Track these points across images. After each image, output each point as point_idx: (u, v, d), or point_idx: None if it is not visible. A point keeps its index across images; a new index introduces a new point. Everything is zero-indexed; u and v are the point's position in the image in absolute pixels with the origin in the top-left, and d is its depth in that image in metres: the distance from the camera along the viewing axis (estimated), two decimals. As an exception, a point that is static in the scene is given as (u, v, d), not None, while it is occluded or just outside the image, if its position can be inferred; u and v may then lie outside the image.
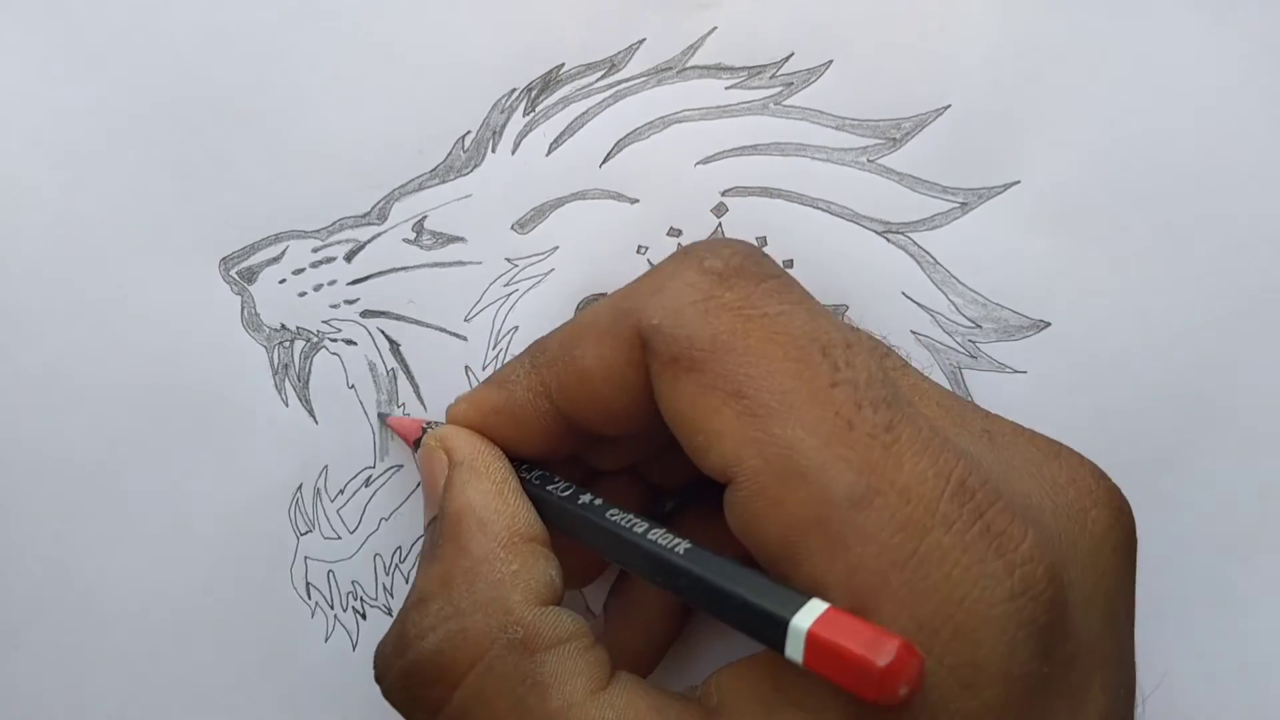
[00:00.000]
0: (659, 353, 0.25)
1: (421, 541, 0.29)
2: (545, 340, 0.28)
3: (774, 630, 0.23)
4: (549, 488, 0.28)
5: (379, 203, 0.33)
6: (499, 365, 0.33)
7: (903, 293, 0.33)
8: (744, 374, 0.24)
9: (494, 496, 0.27)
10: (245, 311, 0.33)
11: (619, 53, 0.33)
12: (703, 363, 0.25)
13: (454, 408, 0.30)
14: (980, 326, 0.33)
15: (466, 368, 0.33)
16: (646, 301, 0.26)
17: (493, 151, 0.33)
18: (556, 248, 0.33)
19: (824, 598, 0.23)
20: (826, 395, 0.24)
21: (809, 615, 0.22)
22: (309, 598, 0.34)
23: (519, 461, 0.29)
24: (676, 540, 0.25)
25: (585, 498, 0.28)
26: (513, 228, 0.33)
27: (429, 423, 0.32)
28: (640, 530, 0.26)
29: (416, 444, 0.31)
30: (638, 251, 0.33)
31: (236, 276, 0.33)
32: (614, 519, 0.27)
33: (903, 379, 0.27)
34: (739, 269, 0.26)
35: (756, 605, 0.23)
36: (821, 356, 0.24)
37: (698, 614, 0.32)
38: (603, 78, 0.33)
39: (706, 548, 0.25)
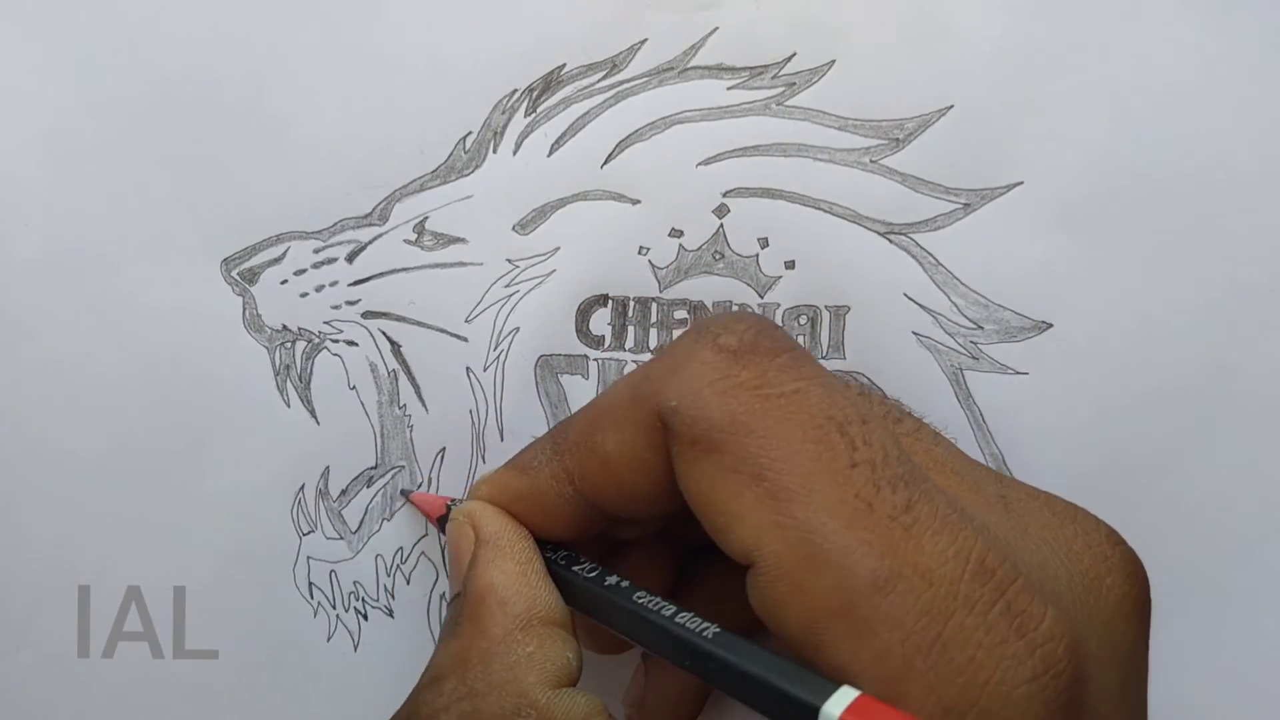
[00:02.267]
0: (679, 435, 0.25)
1: (445, 609, 0.29)
2: (566, 425, 0.28)
3: (805, 717, 0.23)
4: (574, 568, 0.28)
5: (380, 204, 0.33)
6: (499, 366, 0.33)
7: (905, 294, 0.33)
8: (764, 456, 0.24)
9: (517, 577, 0.27)
10: (247, 312, 0.33)
11: (620, 53, 0.33)
12: (722, 444, 0.24)
13: (476, 489, 0.29)
14: (982, 327, 0.33)
15: (467, 369, 0.33)
16: (664, 383, 0.26)
17: (494, 152, 0.33)
18: (558, 248, 0.33)
19: (852, 684, 0.23)
20: (846, 476, 0.24)
21: (840, 703, 0.23)
22: (311, 598, 0.34)
23: (544, 542, 0.29)
24: (705, 624, 0.25)
25: (611, 579, 0.28)
26: (514, 228, 0.33)
27: (453, 500, 0.32)
28: (668, 614, 0.26)
29: (440, 521, 0.31)
30: (639, 252, 0.33)
31: (238, 277, 0.33)
32: (641, 601, 0.26)
33: (917, 447, 0.27)
34: (753, 345, 0.26)
35: (788, 692, 0.23)
36: (839, 435, 0.24)
37: (719, 698, 0.32)
38: (604, 78, 0.33)
39: (734, 631, 0.25)
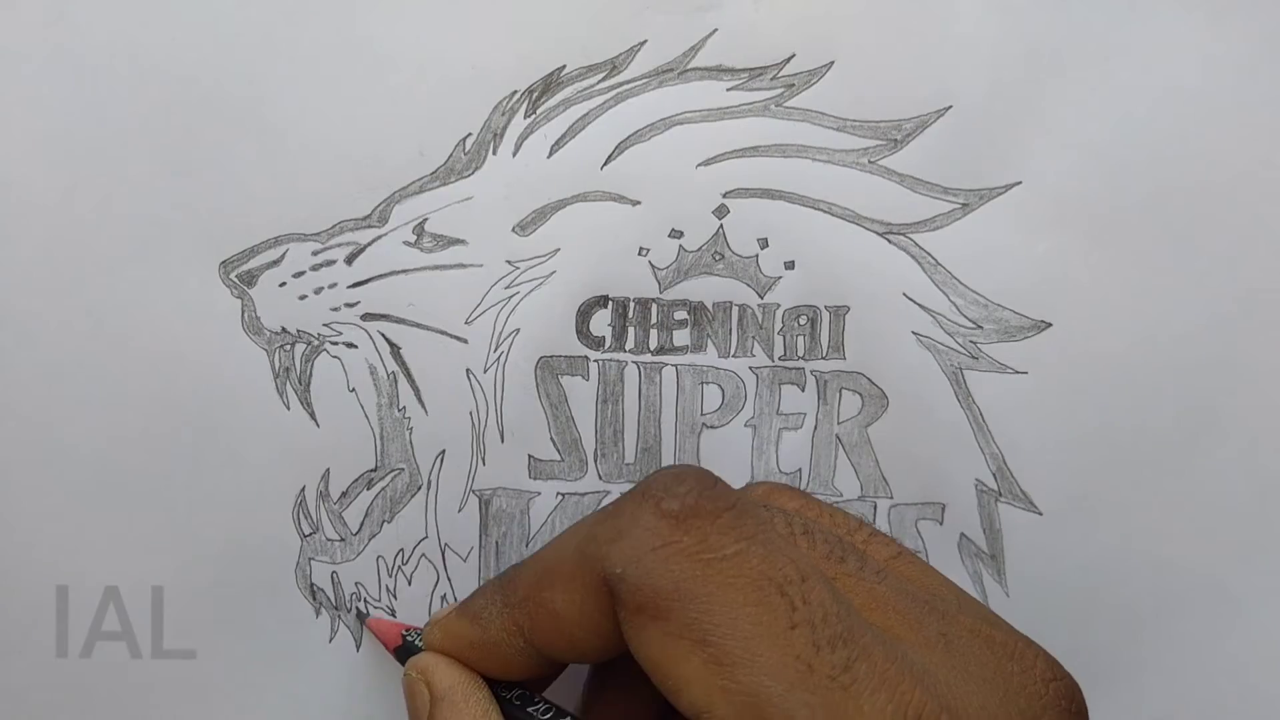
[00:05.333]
0: (625, 601, 0.26)
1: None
2: (515, 576, 0.29)
3: None
4: (530, 709, 0.29)
5: (380, 205, 0.33)
6: (499, 368, 0.33)
7: (904, 294, 0.33)
8: (708, 622, 0.25)
9: None
10: (246, 315, 0.33)
11: (620, 55, 0.33)
12: (667, 611, 0.25)
13: (429, 635, 0.30)
14: (981, 327, 0.33)
15: (467, 370, 0.33)
16: (610, 549, 0.26)
17: (494, 154, 0.33)
18: (558, 250, 0.33)
19: None
20: (786, 639, 0.25)
21: None
22: (313, 599, 0.34)
23: (498, 682, 0.30)
24: None
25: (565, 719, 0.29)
26: (514, 230, 0.33)
27: (409, 629, 0.32)
28: None
29: (397, 650, 0.32)
30: (639, 253, 0.33)
31: (237, 280, 0.33)
32: None
33: (859, 588, 0.28)
34: (695, 508, 0.26)
35: None
36: (779, 596, 0.25)
37: None
38: (604, 79, 0.33)
39: None
